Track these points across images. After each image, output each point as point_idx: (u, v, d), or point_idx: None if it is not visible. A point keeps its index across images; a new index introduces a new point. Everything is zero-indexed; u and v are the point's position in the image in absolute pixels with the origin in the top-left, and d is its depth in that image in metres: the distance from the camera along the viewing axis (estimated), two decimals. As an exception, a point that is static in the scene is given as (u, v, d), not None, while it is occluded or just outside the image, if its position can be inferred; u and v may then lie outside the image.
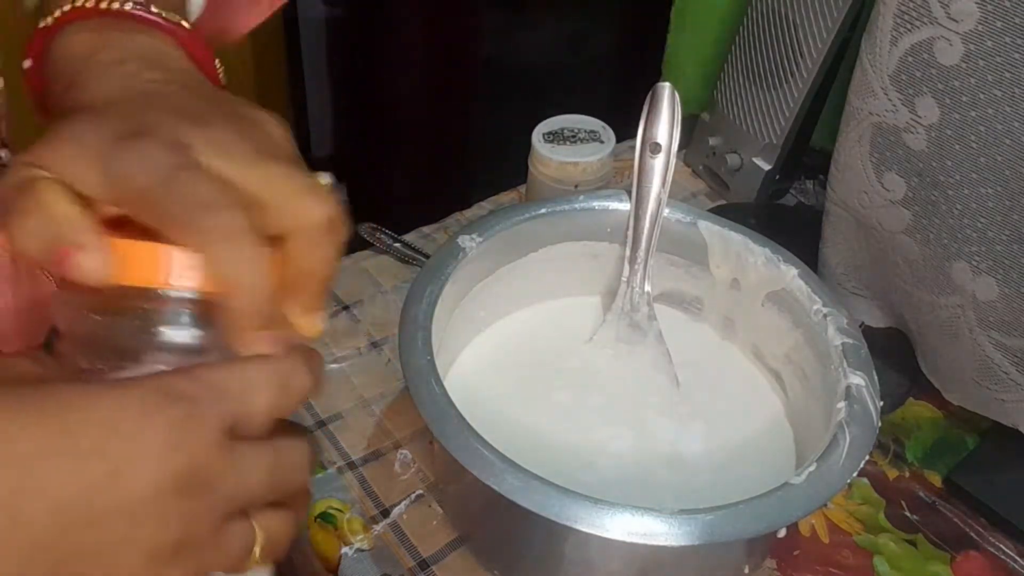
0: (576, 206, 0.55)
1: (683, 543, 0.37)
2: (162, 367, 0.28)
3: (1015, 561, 0.51)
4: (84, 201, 0.27)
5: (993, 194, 0.47)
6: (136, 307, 0.28)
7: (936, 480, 0.55)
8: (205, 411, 0.27)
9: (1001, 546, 0.52)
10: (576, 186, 0.65)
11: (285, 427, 0.30)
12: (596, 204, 0.55)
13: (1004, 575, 0.51)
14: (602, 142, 0.66)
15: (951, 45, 0.46)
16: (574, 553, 0.43)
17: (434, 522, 0.51)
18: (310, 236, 0.29)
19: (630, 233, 0.54)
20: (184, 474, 0.26)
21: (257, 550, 0.29)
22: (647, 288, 0.55)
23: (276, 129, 0.32)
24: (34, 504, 0.24)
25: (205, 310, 0.29)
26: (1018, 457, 0.54)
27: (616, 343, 0.56)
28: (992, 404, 0.52)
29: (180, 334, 0.29)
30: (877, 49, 0.50)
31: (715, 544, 0.38)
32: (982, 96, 0.46)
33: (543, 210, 0.54)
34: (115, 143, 0.27)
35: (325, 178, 0.31)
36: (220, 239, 0.27)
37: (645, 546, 0.38)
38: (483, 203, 0.74)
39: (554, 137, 0.67)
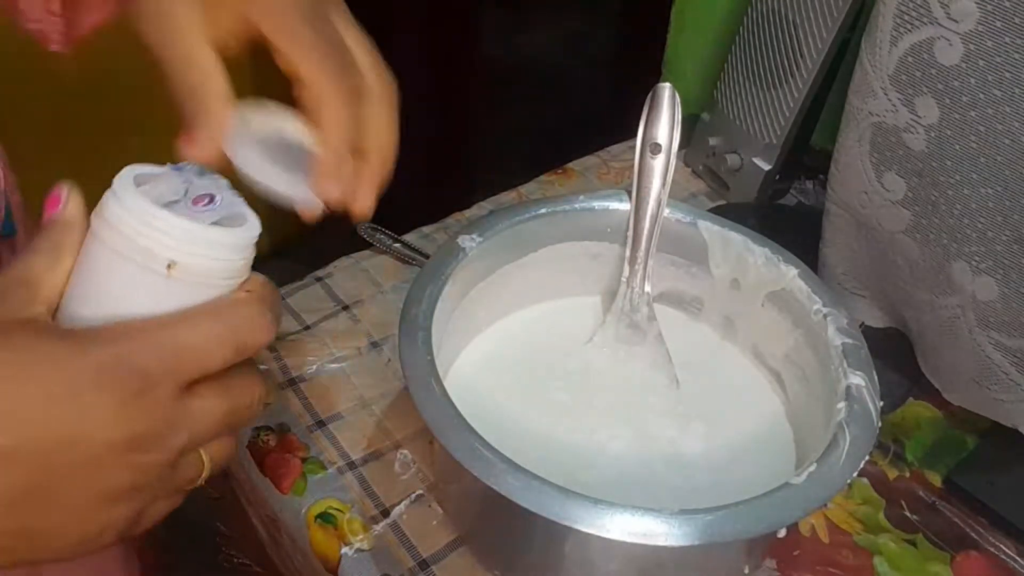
0: (576, 206, 0.54)
1: (683, 543, 0.37)
2: None
3: (1015, 561, 0.51)
4: None
5: (993, 194, 0.47)
6: None
7: (936, 480, 0.55)
8: (160, 379, 0.29)
9: (1001, 546, 0.52)
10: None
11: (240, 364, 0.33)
12: (596, 204, 0.55)
13: (1004, 575, 0.51)
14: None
15: (951, 45, 0.46)
16: (574, 553, 0.43)
17: (434, 522, 0.51)
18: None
19: (630, 233, 0.54)
20: (137, 436, 0.28)
21: (204, 474, 0.32)
22: (647, 288, 0.55)
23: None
24: None
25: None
26: (1018, 457, 0.54)
27: (616, 343, 0.56)
28: (992, 404, 0.52)
29: None
30: (877, 49, 0.50)
31: (715, 544, 0.38)
32: (982, 96, 0.46)
33: (543, 210, 0.54)
34: None
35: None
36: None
37: (645, 546, 0.38)
38: (483, 203, 0.74)
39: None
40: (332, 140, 0.37)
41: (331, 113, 0.37)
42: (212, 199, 0.32)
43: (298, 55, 0.36)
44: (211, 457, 0.32)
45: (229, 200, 0.33)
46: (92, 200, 0.32)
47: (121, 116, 1.09)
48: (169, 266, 0.31)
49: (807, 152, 0.73)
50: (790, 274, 0.51)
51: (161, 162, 0.33)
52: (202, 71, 0.35)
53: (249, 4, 0.36)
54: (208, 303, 0.31)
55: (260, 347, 0.32)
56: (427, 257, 0.66)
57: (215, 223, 0.32)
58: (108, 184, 0.32)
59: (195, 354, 0.30)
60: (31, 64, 0.76)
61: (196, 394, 0.30)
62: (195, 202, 0.32)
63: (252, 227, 0.33)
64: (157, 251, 0.31)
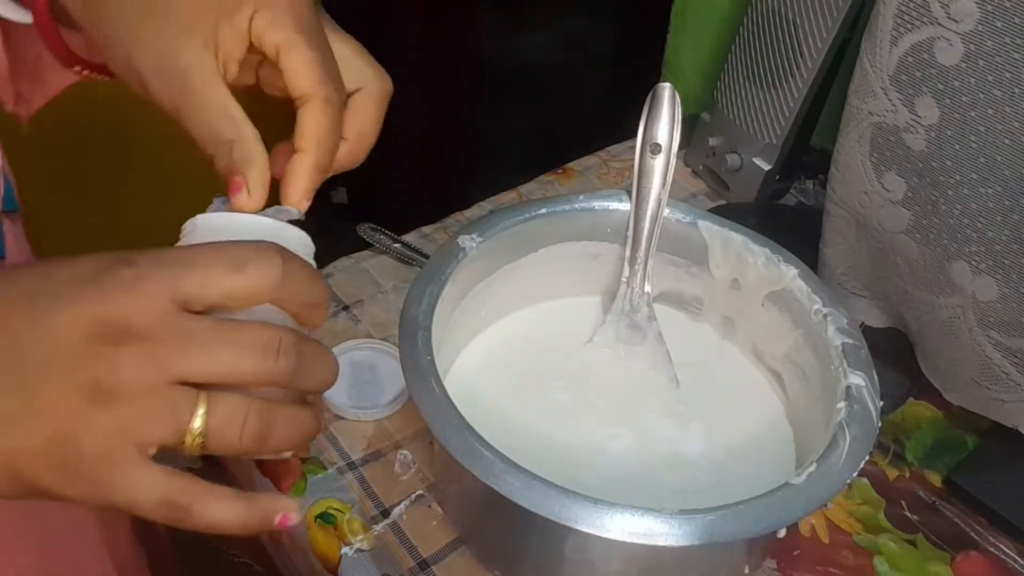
0: (576, 206, 0.54)
1: (683, 543, 0.37)
2: None
3: (1015, 561, 0.51)
4: None
5: (993, 194, 0.47)
6: None
7: (936, 480, 0.55)
8: (148, 274, 0.29)
9: (1001, 546, 0.52)
10: None
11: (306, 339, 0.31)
12: (596, 204, 0.55)
13: (1004, 575, 0.51)
14: None
15: (951, 45, 0.46)
16: (574, 553, 0.43)
17: (434, 522, 0.51)
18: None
19: (630, 233, 0.54)
20: (109, 321, 0.28)
21: (197, 423, 0.29)
22: (647, 288, 0.55)
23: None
24: None
25: None
26: (1018, 457, 0.54)
27: (616, 343, 0.56)
28: (992, 404, 0.52)
29: None
30: (877, 49, 0.50)
31: (715, 544, 0.38)
32: (982, 96, 0.46)
33: (543, 210, 0.54)
34: None
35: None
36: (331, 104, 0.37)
37: (645, 546, 0.38)
38: (483, 203, 0.74)
39: None
40: (312, 148, 0.37)
41: (315, 124, 0.37)
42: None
43: (301, 74, 0.37)
44: (213, 407, 0.29)
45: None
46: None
47: (121, 118, 1.09)
48: None
49: (807, 152, 0.73)
50: (790, 274, 0.51)
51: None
52: (232, 121, 0.36)
53: (253, 23, 0.36)
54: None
55: (266, 282, 0.30)
56: (427, 257, 0.66)
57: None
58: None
59: (190, 267, 0.29)
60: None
61: (198, 319, 0.29)
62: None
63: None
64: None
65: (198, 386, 0.29)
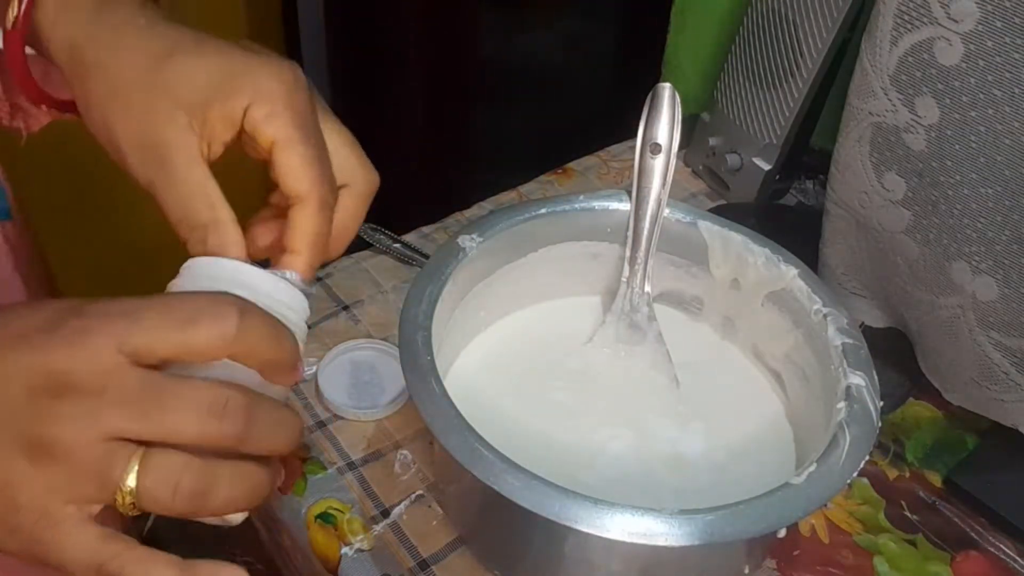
0: (576, 206, 0.54)
1: (683, 543, 0.37)
2: None
3: (1015, 561, 0.51)
4: None
5: (993, 194, 0.47)
6: None
7: (936, 480, 0.55)
8: (94, 327, 0.28)
9: (1001, 546, 0.52)
10: None
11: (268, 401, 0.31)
12: (596, 204, 0.55)
13: (1004, 575, 0.51)
14: None
15: (951, 45, 0.46)
16: (574, 553, 0.43)
17: (434, 522, 0.51)
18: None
19: (630, 233, 0.54)
20: (52, 374, 0.27)
21: (129, 482, 0.28)
22: (647, 288, 0.55)
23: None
24: None
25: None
26: (1018, 457, 0.54)
27: (616, 343, 0.56)
28: (992, 404, 0.52)
29: None
30: (877, 49, 0.50)
31: (715, 544, 0.38)
32: (982, 96, 0.46)
33: (543, 210, 0.54)
34: None
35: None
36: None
37: (645, 546, 0.38)
38: (483, 203, 0.74)
39: None
40: (305, 249, 0.37)
41: (309, 225, 0.37)
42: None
43: (298, 174, 0.36)
44: (143, 469, 0.28)
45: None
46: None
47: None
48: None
49: (807, 152, 0.73)
50: (790, 274, 0.51)
51: None
52: (208, 201, 0.35)
53: (249, 113, 0.35)
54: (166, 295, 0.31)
55: (218, 341, 0.29)
56: (427, 257, 0.66)
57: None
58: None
59: (137, 320, 0.28)
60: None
61: (143, 374, 0.28)
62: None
63: (307, 296, 0.36)
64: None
65: (142, 442, 0.28)
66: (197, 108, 0.35)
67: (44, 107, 0.41)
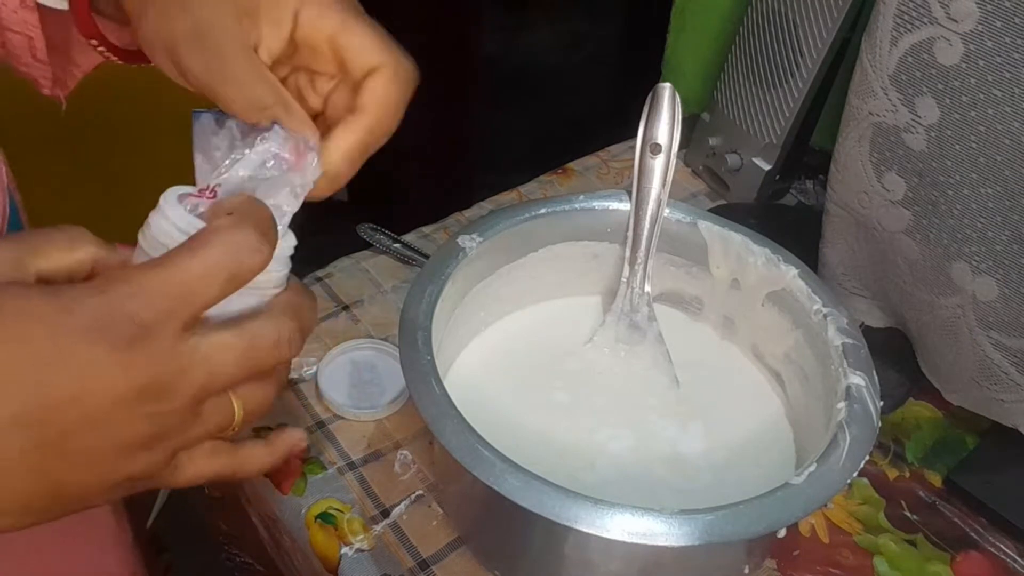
0: (576, 206, 0.54)
1: (683, 543, 0.37)
2: None
3: (1015, 561, 0.51)
4: None
5: (993, 194, 0.47)
6: None
7: (936, 480, 0.55)
8: (154, 323, 0.28)
9: (1001, 546, 0.52)
10: None
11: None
12: (596, 204, 0.55)
13: (1004, 575, 0.51)
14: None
15: (951, 45, 0.46)
16: (574, 553, 0.43)
17: (434, 522, 0.51)
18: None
19: (630, 233, 0.54)
20: (144, 386, 0.28)
21: (237, 419, 0.32)
22: (647, 288, 0.55)
23: None
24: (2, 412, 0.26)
25: None
26: (1018, 457, 0.54)
27: (616, 343, 0.56)
28: (992, 404, 0.52)
29: None
30: (877, 49, 0.50)
31: (715, 544, 0.38)
32: (982, 96, 0.46)
33: (543, 210, 0.54)
34: None
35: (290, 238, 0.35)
36: None
37: (645, 546, 0.38)
38: (483, 203, 0.74)
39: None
40: (373, 109, 0.37)
41: (382, 89, 0.37)
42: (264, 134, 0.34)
43: (366, 47, 0.36)
44: (243, 402, 0.31)
45: (282, 135, 0.35)
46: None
47: (120, 120, 1.09)
48: None
49: (807, 152, 0.73)
50: (790, 274, 0.51)
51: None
52: (273, 86, 0.35)
53: (300, 16, 0.36)
54: (192, 237, 0.30)
55: (254, 270, 0.30)
56: (427, 257, 0.66)
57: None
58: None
59: (186, 289, 0.28)
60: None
61: (204, 334, 0.29)
62: (244, 134, 0.35)
63: (290, 238, 0.34)
64: None
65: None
66: (248, 10, 0.35)
67: (95, 43, 0.42)
